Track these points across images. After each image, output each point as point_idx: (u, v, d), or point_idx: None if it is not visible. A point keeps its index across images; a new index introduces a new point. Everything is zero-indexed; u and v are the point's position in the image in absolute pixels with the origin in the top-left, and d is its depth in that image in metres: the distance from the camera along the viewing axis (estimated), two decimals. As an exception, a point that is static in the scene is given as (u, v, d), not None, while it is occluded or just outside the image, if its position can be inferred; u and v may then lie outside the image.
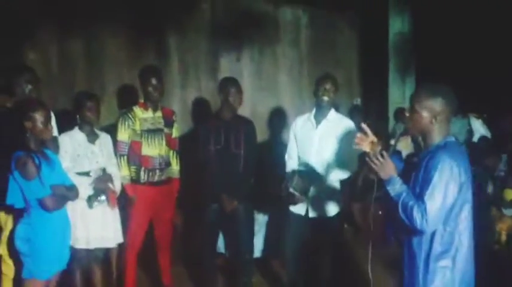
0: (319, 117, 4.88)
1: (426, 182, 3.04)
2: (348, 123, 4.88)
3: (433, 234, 3.11)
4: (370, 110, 7.68)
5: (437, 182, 3.00)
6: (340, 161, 4.75)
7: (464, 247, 3.14)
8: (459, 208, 3.10)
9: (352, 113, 7.83)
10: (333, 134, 4.80)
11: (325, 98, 4.78)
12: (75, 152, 4.74)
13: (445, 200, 3.00)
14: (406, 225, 3.07)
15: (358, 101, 8.02)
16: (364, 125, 3.40)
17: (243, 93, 5.19)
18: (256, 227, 6.05)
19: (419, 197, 3.04)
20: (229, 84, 5.15)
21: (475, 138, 7.52)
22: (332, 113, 4.87)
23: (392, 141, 3.38)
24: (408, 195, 3.09)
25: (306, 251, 5.03)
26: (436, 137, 3.17)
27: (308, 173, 4.77)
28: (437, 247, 3.11)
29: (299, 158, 4.97)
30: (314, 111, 4.93)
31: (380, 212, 4.65)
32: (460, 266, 3.13)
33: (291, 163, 5.03)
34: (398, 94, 7.90)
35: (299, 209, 4.87)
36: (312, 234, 4.91)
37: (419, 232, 3.09)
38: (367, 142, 3.41)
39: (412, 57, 7.86)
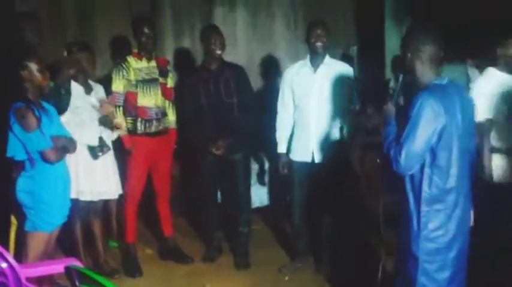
0: (315, 63, 4.84)
1: (405, 123, 3.02)
2: (346, 67, 4.94)
3: (421, 177, 3.08)
4: (367, 58, 7.54)
5: (414, 123, 2.99)
6: (340, 104, 4.77)
7: (459, 189, 3.11)
8: (447, 150, 3.05)
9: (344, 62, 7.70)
10: (332, 78, 4.78)
11: (319, 44, 4.76)
12: (73, 104, 4.62)
13: (422, 141, 2.97)
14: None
15: (354, 49, 7.88)
16: None
17: (225, 40, 5.09)
18: (256, 177, 6.06)
19: (399, 139, 3.03)
20: (209, 32, 5.10)
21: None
22: (328, 58, 4.86)
23: (393, 86, 3.31)
24: (393, 138, 3.09)
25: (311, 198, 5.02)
26: (424, 78, 3.14)
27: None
28: (427, 190, 3.08)
29: (297, 105, 4.90)
30: (308, 57, 4.89)
31: (378, 160, 4.63)
32: (455, 209, 3.11)
33: (285, 114, 4.96)
34: (395, 42, 7.76)
35: (304, 156, 4.84)
36: (317, 179, 4.91)
37: (399, 174, 3.08)
38: None
39: (409, 4, 7.71)
